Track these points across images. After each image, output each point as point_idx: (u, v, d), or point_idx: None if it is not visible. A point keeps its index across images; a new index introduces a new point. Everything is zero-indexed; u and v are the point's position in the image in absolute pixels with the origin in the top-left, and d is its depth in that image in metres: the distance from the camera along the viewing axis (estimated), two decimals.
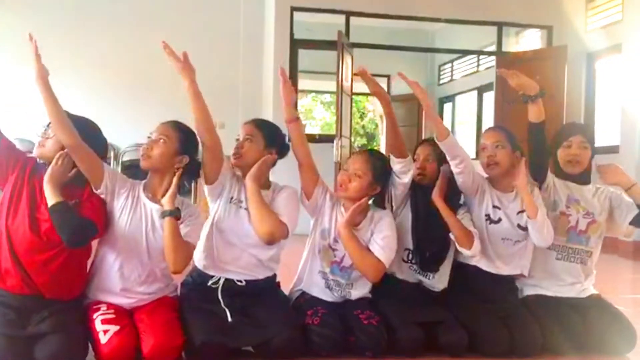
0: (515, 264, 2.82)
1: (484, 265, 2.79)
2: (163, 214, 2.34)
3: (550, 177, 2.86)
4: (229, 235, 2.56)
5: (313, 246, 2.73)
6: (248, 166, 2.57)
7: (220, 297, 2.51)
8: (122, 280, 2.44)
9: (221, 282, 2.53)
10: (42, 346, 2.21)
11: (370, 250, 2.61)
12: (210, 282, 2.54)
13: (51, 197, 2.27)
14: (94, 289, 2.47)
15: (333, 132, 8.16)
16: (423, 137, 8.69)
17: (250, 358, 2.45)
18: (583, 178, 2.89)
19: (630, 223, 2.85)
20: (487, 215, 2.77)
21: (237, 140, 2.63)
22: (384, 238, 2.63)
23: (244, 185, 2.57)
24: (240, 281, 2.54)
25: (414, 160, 2.79)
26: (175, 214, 2.34)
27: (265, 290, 2.61)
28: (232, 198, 2.58)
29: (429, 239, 2.73)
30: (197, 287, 2.58)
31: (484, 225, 2.78)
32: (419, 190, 2.78)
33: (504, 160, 2.75)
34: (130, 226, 2.42)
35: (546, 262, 2.83)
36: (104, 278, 2.45)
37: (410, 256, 2.78)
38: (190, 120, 2.61)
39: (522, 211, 2.79)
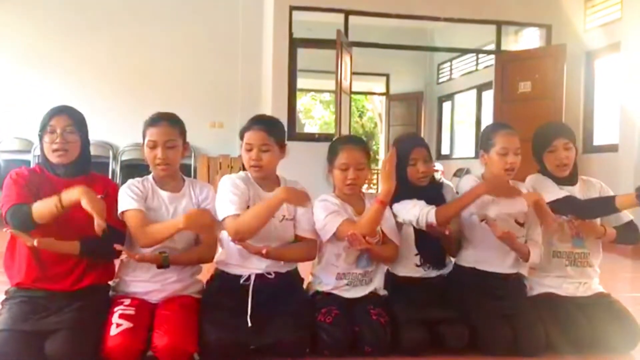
0: (514, 261, 2.82)
1: (480, 266, 2.80)
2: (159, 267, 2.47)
3: (548, 183, 2.85)
4: (252, 241, 2.58)
5: (327, 256, 2.75)
6: (268, 174, 2.65)
7: (251, 294, 2.54)
8: (144, 268, 2.52)
9: (252, 278, 2.57)
10: (52, 341, 2.23)
11: (385, 243, 2.69)
12: (242, 281, 2.59)
13: (70, 249, 2.32)
14: (124, 281, 2.56)
15: (332, 131, 8.17)
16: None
17: (256, 357, 2.46)
18: (572, 179, 2.88)
19: (616, 242, 2.86)
20: (485, 215, 2.76)
21: (249, 150, 2.58)
22: (390, 222, 2.73)
23: (258, 192, 2.62)
24: (270, 274, 2.60)
25: (412, 165, 2.77)
26: (165, 265, 2.46)
27: (290, 283, 2.69)
28: (248, 208, 2.59)
29: (431, 240, 2.75)
30: (225, 285, 2.62)
31: (477, 226, 2.78)
32: (421, 194, 2.77)
33: (518, 166, 2.78)
34: (154, 216, 2.50)
35: (558, 269, 2.85)
36: (132, 268, 2.55)
37: (422, 259, 2.82)
38: (182, 119, 2.64)
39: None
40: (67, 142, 2.40)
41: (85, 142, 2.48)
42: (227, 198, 2.52)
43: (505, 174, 2.77)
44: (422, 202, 2.70)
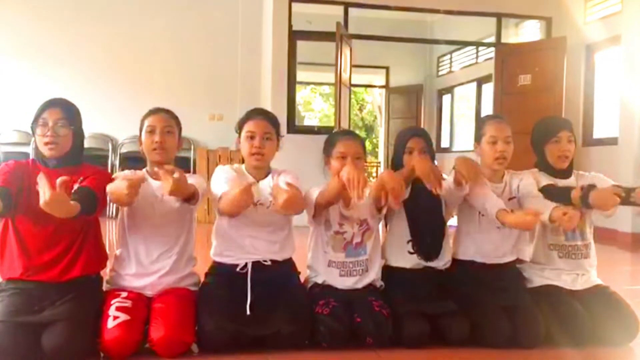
0: (512, 249, 2.84)
1: (480, 258, 2.81)
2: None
3: (542, 179, 2.86)
4: (245, 229, 2.63)
5: (319, 243, 2.77)
6: (266, 164, 2.70)
7: (249, 283, 2.55)
8: (136, 260, 2.56)
9: (249, 266, 2.60)
10: (49, 334, 2.23)
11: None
12: (238, 269, 2.61)
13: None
14: (119, 275, 2.57)
15: (332, 124, 8.16)
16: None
17: (256, 347, 2.46)
18: (568, 172, 2.89)
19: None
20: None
21: (251, 137, 2.63)
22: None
23: (248, 181, 2.63)
24: (266, 261, 2.62)
25: (408, 153, 2.78)
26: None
27: (286, 274, 2.71)
28: None
29: (426, 228, 2.77)
30: (222, 275, 2.64)
31: (477, 218, 2.80)
32: (415, 184, 2.76)
33: (510, 156, 2.79)
34: (141, 206, 2.53)
35: (550, 262, 2.85)
36: (125, 261, 2.58)
37: (414, 247, 2.81)
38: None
39: (512, 197, 2.81)
40: (59, 136, 2.40)
41: (77, 135, 2.47)
42: (217, 181, 2.59)
43: (496, 162, 2.79)
44: None
